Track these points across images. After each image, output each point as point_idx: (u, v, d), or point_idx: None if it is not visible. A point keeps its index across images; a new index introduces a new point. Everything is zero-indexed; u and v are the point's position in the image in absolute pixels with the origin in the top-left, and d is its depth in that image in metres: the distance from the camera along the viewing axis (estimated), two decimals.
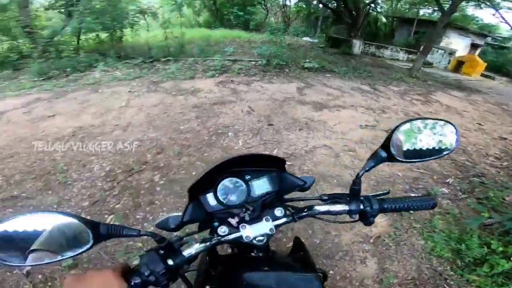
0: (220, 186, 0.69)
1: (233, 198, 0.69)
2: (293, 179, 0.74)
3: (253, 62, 7.81)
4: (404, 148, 0.66)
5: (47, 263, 0.50)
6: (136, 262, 0.58)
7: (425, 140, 0.67)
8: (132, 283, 0.53)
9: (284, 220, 0.68)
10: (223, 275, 0.66)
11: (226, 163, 0.65)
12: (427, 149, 0.67)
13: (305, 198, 0.77)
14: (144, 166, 2.93)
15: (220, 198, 0.68)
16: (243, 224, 0.65)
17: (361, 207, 0.67)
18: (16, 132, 3.61)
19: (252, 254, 0.69)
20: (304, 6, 19.36)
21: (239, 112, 4.39)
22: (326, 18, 18.91)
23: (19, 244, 0.48)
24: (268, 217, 0.66)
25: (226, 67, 7.14)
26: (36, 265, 0.51)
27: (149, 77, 6.23)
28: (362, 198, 0.68)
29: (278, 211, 0.68)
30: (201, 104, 4.69)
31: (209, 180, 0.66)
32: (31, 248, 0.48)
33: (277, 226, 0.67)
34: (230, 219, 0.67)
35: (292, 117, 4.29)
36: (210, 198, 0.69)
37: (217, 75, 6.47)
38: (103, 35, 8.93)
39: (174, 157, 3.10)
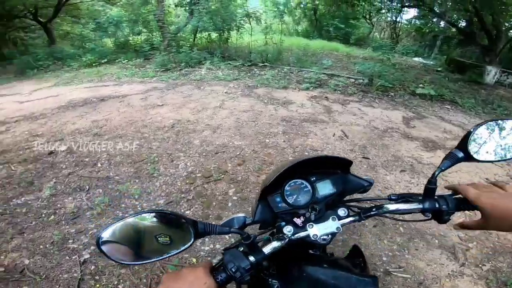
0: (286, 188, 0.74)
1: (299, 199, 0.74)
2: (358, 181, 0.77)
3: (352, 80, 7.17)
4: (482, 148, 0.65)
5: (154, 260, 0.56)
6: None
7: (504, 140, 0.66)
8: (218, 279, 0.55)
9: (351, 219, 0.69)
10: (283, 267, 0.67)
11: (294, 166, 0.69)
12: (506, 148, 0.66)
13: (372, 198, 0.80)
14: (223, 176, 2.90)
15: (287, 199, 0.73)
16: (310, 223, 0.67)
17: (436, 205, 0.64)
18: (131, 115, 4.18)
19: (311, 251, 0.71)
20: (421, 23, 17.00)
21: (330, 136, 3.98)
22: (448, 38, 16.09)
23: (130, 243, 0.55)
24: (335, 216, 0.68)
25: (322, 81, 6.77)
26: (145, 263, 0.56)
27: (245, 80, 6.43)
28: (436, 197, 0.66)
29: (342, 211, 0.69)
30: (290, 118, 4.49)
31: (276, 182, 0.71)
32: (141, 247, 0.55)
33: (343, 225, 0.68)
34: (295, 219, 0.69)
35: (393, 153, 3.61)
36: (278, 199, 0.73)
37: (311, 88, 6.17)
38: (214, 35, 9.73)
39: (253, 173, 2.97)
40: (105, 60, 9.09)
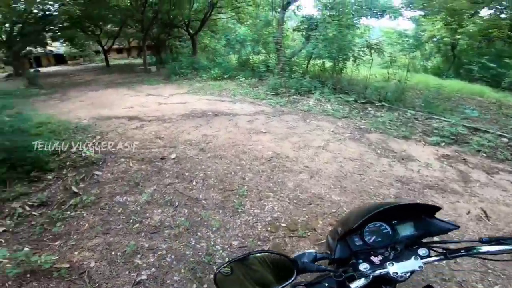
0: (366, 229, 0.77)
1: (378, 240, 0.76)
2: (443, 224, 0.79)
3: (505, 139, 5.37)
4: None
5: None
6: None
7: None
8: None
9: (434, 258, 0.72)
10: None
11: (380, 212, 0.74)
12: None
13: (462, 241, 0.87)
14: (309, 233, 2.46)
15: (366, 239, 0.77)
16: (390, 262, 0.69)
17: None
18: (235, 137, 4.30)
19: (383, 287, 0.71)
20: None
21: (463, 213, 2.94)
22: None
23: (245, 279, 0.64)
24: (417, 256, 0.69)
25: (459, 136, 5.34)
26: None
27: (356, 121, 5.77)
28: None
29: (422, 251, 0.71)
30: (408, 179, 3.61)
31: (358, 226, 0.75)
32: (253, 283, 0.64)
33: (425, 263, 0.70)
34: (372, 258, 0.72)
35: None
36: (356, 239, 0.77)
37: (442, 144, 4.93)
38: (328, 64, 9.25)
39: None
40: (227, 75, 10.23)
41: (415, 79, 9.69)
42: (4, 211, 2.66)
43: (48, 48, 21.83)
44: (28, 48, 17.29)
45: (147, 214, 2.65)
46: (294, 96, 7.04)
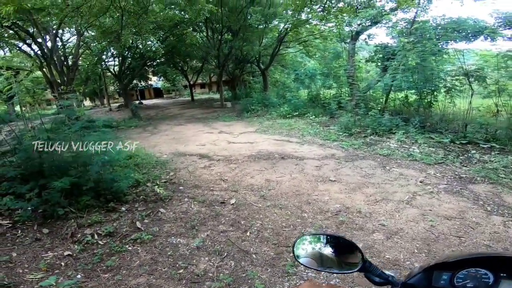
0: (463, 271, 0.69)
1: (470, 286, 0.69)
2: None
3: None
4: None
5: (331, 272, 0.82)
6: None
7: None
8: None
9: None
10: None
11: (491, 259, 0.69)
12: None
13: None
14: None
15: (456, 281, 0.69)
16: None
17: None
18: (300, 185, 3.95)
19: None
20: None
21: None
22: None
23: (316, 254, 0.78)
24: None
25: None
26: (324, 271, 0.78)
27: (455, 167, 4.65)
28: None
29: None
30: None
31: (454, 263, 0.70)
32: (322, 259, 0.77)
33: None
34: None
35: None
36: (445, 277, 0.70)
37: None
38: (412, 97, 8.01)
39: None
40: (297, 113, 10.05)
41: None
42: (76, 236, 2.91)
43: (149, 82, 26.51)
44: (134, 81, 21.25)
45: (194, 261, 2.54)
46: (371, 137, 6.23)
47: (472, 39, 8.25)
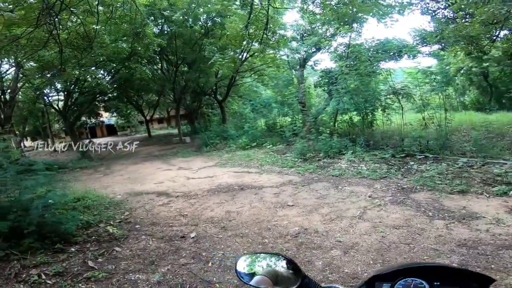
0: (401, 281, 0.72)
1: None
2: None
3: None
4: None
5: None
6: None
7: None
8: None
9: None
10: None
11: (424, 269, 0.74)
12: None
13: None
14: None
15: None
16: None
17: None
18: (259, 213, 4.01)
19: None
20: None
21: None
22: None
23: (263, 272, 0.76)
24: None
25: None
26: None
27: (397, 180, 5.17)
28: None
29: None
30: (475, 242, 2.90)
31: (392, 274, 0.73)
32: (261, 274, 0.75)
33: None
34: None
35: None
36: (385, 287, 0.73)
37: (511, 193, 4.08)
38: (356, 118, 8.56)
39: None
40: (255, 143, 10.31)
41: (457, 119, 8.69)
42: (21, 276, 2.71)
43: (100, 119, 24.77)
44: (82, 118, 19.38)
45: None
46: (324, 160, 6.67)
47: (398, 58, 9.46)
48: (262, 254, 0.83)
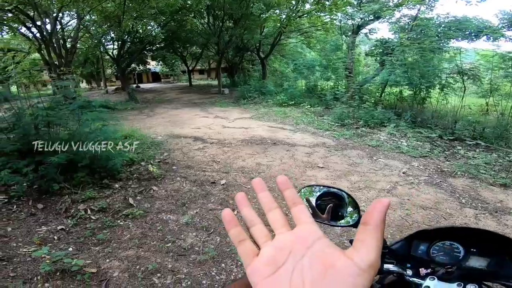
0: (439, 243, 0.72)
1: (443, 258, 0.72)
2: None
3: None
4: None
5: (337, 226, 0.80)
6: None
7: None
8: None
9: None
10: None
11: (467, 229, 0.73)
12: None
13: None
14: None
15: (431, 252, 0.73)
16: (432, 276, 0.66)
17: None
18: (289, 169, 4.13)
19: None
20: None
21: None
22: None
23: (321, 205, 0.79)
24: (462, 284, 0.63)
25: None
26: (331, 225, 0.79)
27: (438, 161, 4.85)
28: None
29: (472, 287, 0.63)
30: None
31: (433, 235, 0.73)
32: (326, 212, 0.78)
33: None
34: (421, 269, 0.70)
35: None
36: (422, 247, 0.74)
37: None
38: (407, 92, 8.08)
39: None
40: (293, 102, 10.14)
41: None
42: (70, 211, 3.02)
43: (147, 66, 26.18)
44: (132, 65, 21.02)
45: (182, 236, 2.70)
46: (363, 129, 6.39)
47: (474, 39, 8.29)
48: (323, 188, 0.82)
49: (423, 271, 0.70)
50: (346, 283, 0.23)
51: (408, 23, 8.67)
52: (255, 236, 0.31)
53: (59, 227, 2.77)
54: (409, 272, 0.70)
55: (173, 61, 26.08)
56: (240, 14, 13.16)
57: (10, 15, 9.66)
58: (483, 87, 7.42)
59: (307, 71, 12.33)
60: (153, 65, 30.33)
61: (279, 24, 13.60)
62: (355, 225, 0.74)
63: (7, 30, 11.85)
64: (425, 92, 7.47)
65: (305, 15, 13.04)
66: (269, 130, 6.65)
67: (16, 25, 10.92)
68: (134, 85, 23.83)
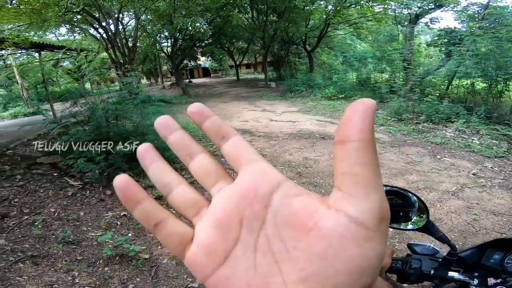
0: None
1: None
2: None
3: None
4: None
5: (401, 229, 0.76)
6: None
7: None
8: (394, 265, 0.71)
9: None
10: None
11: None
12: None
13: None
14: None
15: (507, 262, 0.68)
16: (501, 286, 0.63)
17: None
18: (333, 167, 3.94)
19: None
20: None
21: None
22: None
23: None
24: None
25: None
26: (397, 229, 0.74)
27: None
28: None
29: None
30: None
31: (509, 242, 0.68)
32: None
33: None
34: (489, 279, 0.66)
35: None
36: (496, 256, 0.69)
37: None
38: (480, 85, 7.18)
39: None
40: (343, 95, 9.66)
41: None
42: None
43: (198, 62, 27.63)
44: (184, 61, 22.39)
45: None
46: (424, 124, 5.77)
47: None
48: (389, 187, 0.76)
49: (491, 280, 0.66)
50: (350, 258, 0.14)
51: (478, 11, 7.90)
52: (179, 207, 0.20)
53: (122, 213, 3.04)
54: (476, 281, 0.66)
55: (221, 56, 27.02)
56: (284, 7, 13.08)
57: (79, 17, 10.95)
58: None
59: (358, 63, 11.64)
60: (203, 61, 31.90)
61: (325, 16, 13.09)
62: (423, 228, 0.69)
63: (78, 31, 13.51)
64: (503, 84, 6.58)
65: (353, 6, 12.36)
66: (317, 124, 6.46)
67: (85, 26, 12.39)
68: (187, 80, 25.31)
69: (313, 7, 13.64)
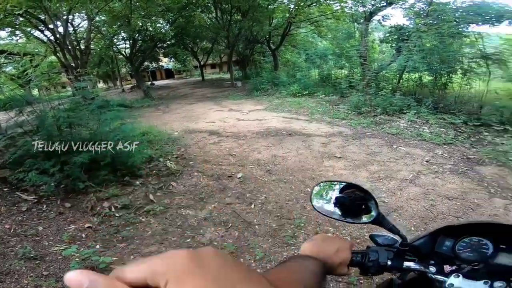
0: (466, 239, 0.69)
1: (470, 255, 0.68)
2: None
3: None
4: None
5: (351, 222, 0.76)
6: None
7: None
8: (355, 258, 0.68)
9: None
10: None
11: (495, 225, 0.69)
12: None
13: None
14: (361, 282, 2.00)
15: (457, 248, 0.70)
16: (457, 273, 0.64)
17: None
18: (305, 161, 4.06)
19: None
20: None
21: None
22: None
23: (336, 201, 0.75)
24: (489, 282, 0.61)
25: None
26: (346, 222, 0.76)
27: (463, 148, 4.62)
28: None
29: (499, 283, 0.61)
30: None
31: (458, 230, 0.69)
32: (341, 210, 0.74)
33: None
34: (445, 266, 0.67)
35: None
36: (447, 243, 0.71)
37: None
38: (427, 78, 7.86)
39: None
40: (307, 92, 9.97)
41: None
42: (95, 209, 3.09)
43: (160, 63, 26.58)
44: (145, 63, 21.41)
45: (201, 231, 2.73)
46: (381, 116, 6.19)
47: (496, 24, 7.94)
48: (338, 183, 0.78)
49: (447, 268, 0.67)
50: None
51: (423, 8, 8.44)
52: None
53: (86, 225, 2.85)
54: (432, 269, 0.67)
55: (184, 57, 26.34)
56: (248, 6, 13.15)
57: (21, 19, 9.95)
58: (510, 71, 7.02)
59: (320, 61, 12.09)
60: (166, 62, 30.75)
61: (287, 15, 13.41)
62: (374, 221, 0.70)
63: (21, 35, 12.25)
64: (446, 77, 7.21)
65: (314, 4, 12.88)
66: (284, 121, 6.58)
67: (29, 29, 11.27)
68: (149, 83, 24.27)
69: (276, 6, 13.88)
